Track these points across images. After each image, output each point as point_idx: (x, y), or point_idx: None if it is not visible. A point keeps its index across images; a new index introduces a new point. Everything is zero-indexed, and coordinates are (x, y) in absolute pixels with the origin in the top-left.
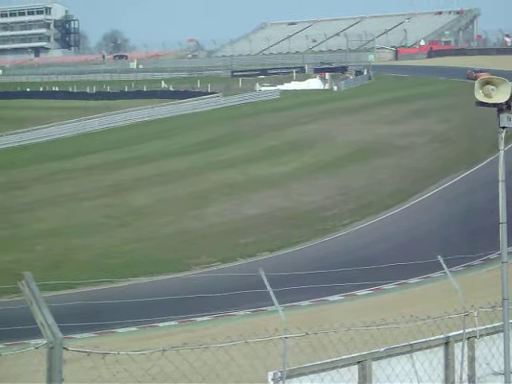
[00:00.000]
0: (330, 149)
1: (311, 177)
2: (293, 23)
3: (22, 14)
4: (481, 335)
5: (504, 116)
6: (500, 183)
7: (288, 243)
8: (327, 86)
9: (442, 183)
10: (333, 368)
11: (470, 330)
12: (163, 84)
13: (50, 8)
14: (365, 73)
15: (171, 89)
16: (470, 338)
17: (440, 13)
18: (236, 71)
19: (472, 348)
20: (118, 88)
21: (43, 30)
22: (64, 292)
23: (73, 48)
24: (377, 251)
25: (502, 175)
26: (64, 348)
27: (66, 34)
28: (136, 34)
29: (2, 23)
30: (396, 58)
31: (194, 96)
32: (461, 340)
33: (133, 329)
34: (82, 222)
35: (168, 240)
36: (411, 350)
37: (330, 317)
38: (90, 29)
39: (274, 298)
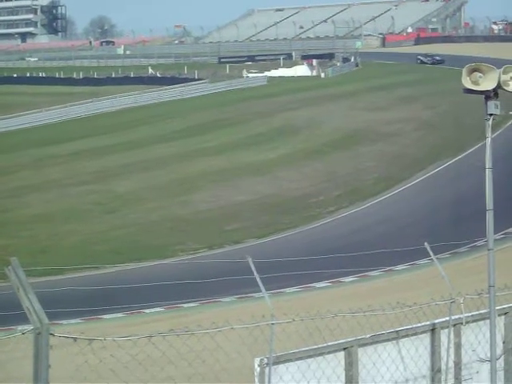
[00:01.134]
0: (317, 135)
1: (298, 163)
2: (280, 10)
3: None
4: (467, 322)
5: (491, 103)
6: (487, 170)
7: (275, 230)
8: (315, 73)
9: (429, 170)
10: (319, 354)
11: (457, 316)
12: (150, 70)
13: None
14: (352, 60)
15: (158, 75)
16: (457, 324)
17: (427, 0)
18: (223, 57)
19: (458, 335)
20: (105, 74)
21: (30, 16)
22: (51, 278)
23: (60, 34)
24: (364, 238)
25: (488, 162)
26: (50, 334)
27: (53, 19)
28: (123, 19)
29: None
30: (383, 45)
31: (180, 82)
32: (447, 327)
33: (120, 315)
34: (69, 208)
35: (154, 226)
36: (397, 336)
37: (317, 303)
38: (77, 14)
39: (260, 284)
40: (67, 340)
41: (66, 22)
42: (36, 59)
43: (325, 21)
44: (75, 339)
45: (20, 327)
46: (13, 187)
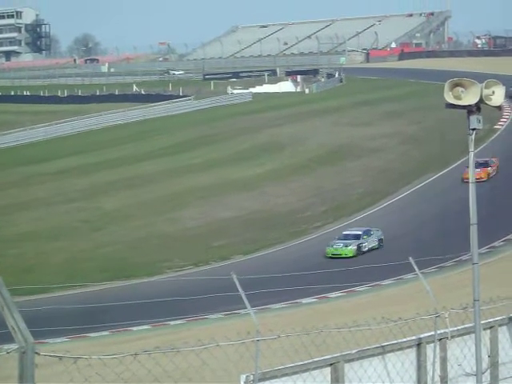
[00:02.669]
0: (302, 151)
1: (284, 179)
2: (264, 26)
3: None
4: (452, 336)
5: (474, 118)
6: (470, 185)
7: (261, 246)
8: (299, 89)
9: (414, 185)
10: (305, 370)
11: (442, 331)
12: (135, 87)
13: (20, 12)
14: (336, 75)
15: (143, 92)
16: (442, 339)
17: (411, 15)
18: (208, 74)
19: (444, 349)
20: (90, 92)
21: (14, 34)
22: (37, 297)
23: (44, 52)
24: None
25: (472, 177)
26: (36, 353)
27: (37, 37)
28: (107, 37)
29: None
30: (367, 60)
31: (165, 99)
32: (433, 341)
33: (105, 333)
34: (55, 225)
35: (141, 243)
36: (383, 351)
37: (303, 319)
38: (61, 32)
39: (246, 300)
40: (53, 359)
41: (50, 40)
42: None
43: (309, 37)
44: (61, 358)
45: (6, 346)
46: (0, 205)
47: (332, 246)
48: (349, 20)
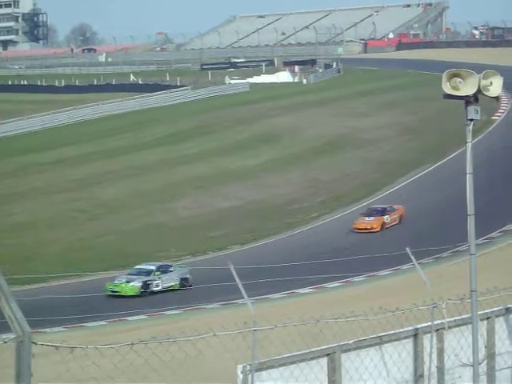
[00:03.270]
0: (299, 142)
1: (281, 170)
2: (262, 16)
3: None
4: (449, 327)
5: (471, 108)
6: (468, 176)
7: (258, 236)
8: (297, 79)
9: (412, 175)
10: (302, 360)
11: (439, 321)
12: (132, 77)
13: (18, 1)
14: (334, 66)
15: (140, 82)
16: (439, 329)
17: (408, 6)
18: (205, 64)
19: (441, 340)
20: (87, 81)
21: (11, 24)
22: (34, 286)
23: (41, 41)
24: (347, 244)
25: (469, 168)
26: (33, 342)
27: (35, 27)
28: (105, 26)
29: None
30: (365, 50)
31: (163, 89)
32: (430, 332)
33: (102, 323)
34: (53, 215)
35: (138, 233)
36: (380, 342)
37: (300, 309)
38: (58, 22)
39: (243, 290)
40: (49, 348)
41: (48, 29)
42: (19, 67)
43: (306, 27)
44: (57, 347)
45: (3, 336)
46: None
47: (113, 282)
48: (346, 10)
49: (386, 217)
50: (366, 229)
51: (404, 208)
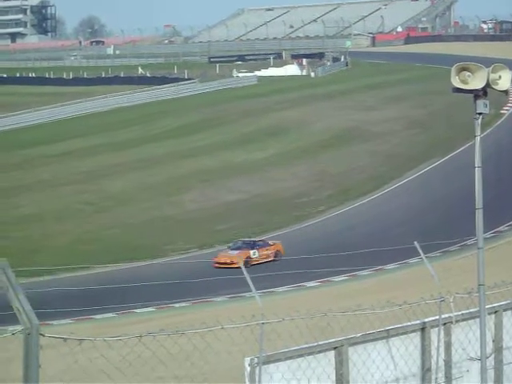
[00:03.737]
0: (307, 135)
1: (289, 163)
2: (270, 9)
3: None
4: (457, 321)
5: (480, 102)
6: (476, 169)
7: (265, 229)
8: (304, 73)
9: (420, 169)
10: (309, 354)
11: (447, 315)
12: (140, 70)
13: None
14: (342, 59)
15: (148, 75)
16: (447, 323)
17: None
18: (213, 57)
19: (448, 334)
20: (95, 74)
21: (20, 16)
22: (41, 278)
23: (49, 34)
24: (354, 237)
25: (478, 161)
26: (41, 334)
27: (43, 19)
28: (113, 19)
29: None
30: (373, 44)
31: (170, 82)
32: (437, 326)
33: (111, 315)
34: (60, 208)
35: (145, 226)
36: (387, 335)
37: (307, 303)
38: (66, 14)
39: (250, 283)
40: (57, 340)
41: (56, 21)
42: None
43: (315, 20)
44: (65, 339)
45: (11, 327)
46: (4, 187)
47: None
48: (355, 4)
49: (253, 251)
50: (225, 263)
51: (281, 244)
